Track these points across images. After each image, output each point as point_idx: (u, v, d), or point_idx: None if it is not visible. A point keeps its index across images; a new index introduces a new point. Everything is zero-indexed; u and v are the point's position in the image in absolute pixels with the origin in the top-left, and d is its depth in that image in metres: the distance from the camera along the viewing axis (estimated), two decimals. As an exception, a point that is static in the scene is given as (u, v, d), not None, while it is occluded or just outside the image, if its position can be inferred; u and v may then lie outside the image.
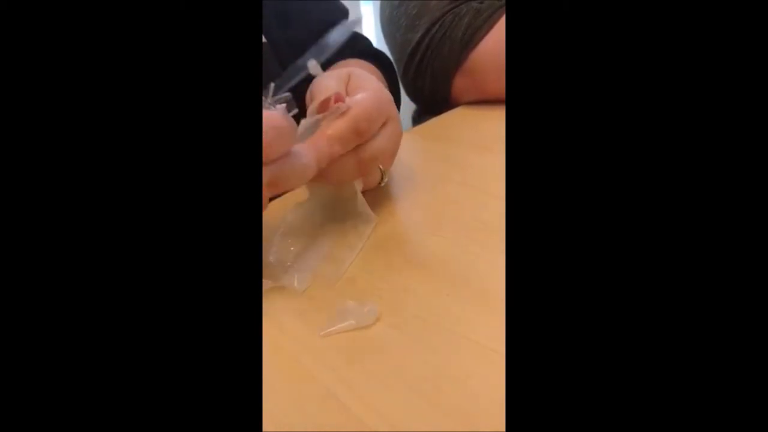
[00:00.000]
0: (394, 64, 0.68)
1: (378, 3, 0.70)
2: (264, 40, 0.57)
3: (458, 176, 0.50)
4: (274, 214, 0.43)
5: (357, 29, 0.68)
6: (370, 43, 0.68)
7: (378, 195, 0.47)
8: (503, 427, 0.21)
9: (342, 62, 0.60)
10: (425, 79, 0.64)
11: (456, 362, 0.30)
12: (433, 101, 0.66)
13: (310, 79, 0.42)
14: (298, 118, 0.41)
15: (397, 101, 0.65)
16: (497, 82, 0.60)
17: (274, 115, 0.35)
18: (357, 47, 0.63)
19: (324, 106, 0.39)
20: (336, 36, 0.57)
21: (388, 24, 0.67)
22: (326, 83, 0.41)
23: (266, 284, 0.36)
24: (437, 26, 0.60)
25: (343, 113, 0.38)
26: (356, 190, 0.42)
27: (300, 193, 0.45)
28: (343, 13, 0.67)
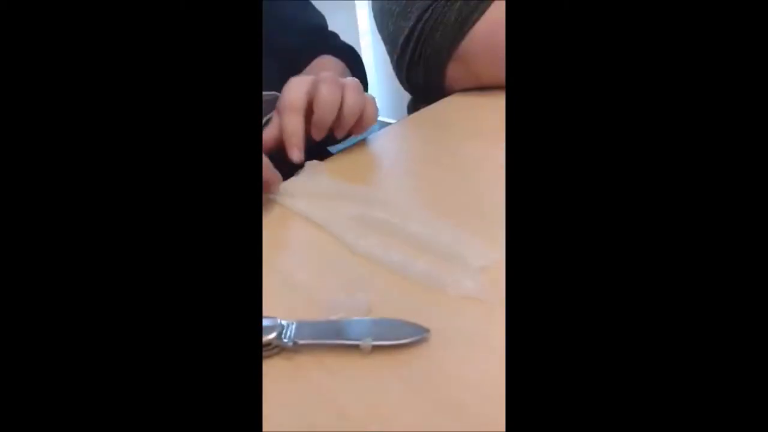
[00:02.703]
0: (387, 54, 0.67)
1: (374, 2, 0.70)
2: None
3: (453, 164, 0.49)
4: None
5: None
6: (339, 38, 0.75)
7: (373, 183, 0.45)
8: (503, 424, 0.20)
9: (315, 61, 0.67)
10: (418, 67, 0.62)
11: (451, 355, 0.28)
12: (427, 89, 0.64)
13: None
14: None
15: (365, 84, 0.72)
16: (491, 67, 0.58)
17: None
18: (327, 44, 0.71)
19: None
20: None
21: (379, 13, 0.66)
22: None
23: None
24: (429, 12, 0.59)
25: None
26: None
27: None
28: (322, 17, 0.75)
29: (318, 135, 0.49)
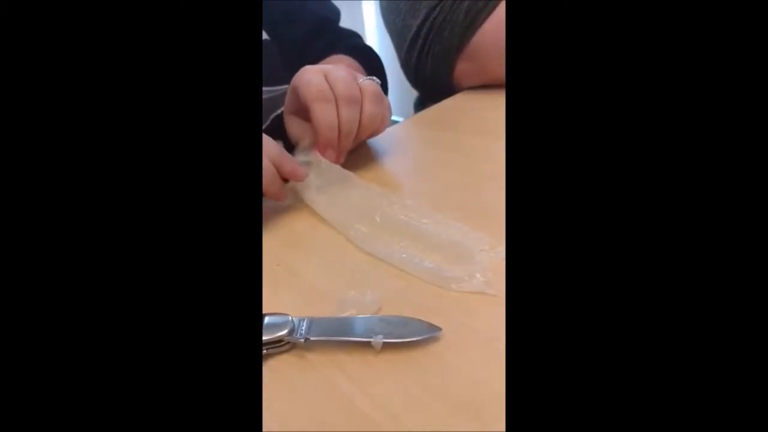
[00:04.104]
0: (395, 51, 0.67)
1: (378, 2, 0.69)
2: (268, 38, 0.58)
3: (461, 162, 0.49)
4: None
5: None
6: (359, 38, 0.70)
7: (380, 182, 0.45)
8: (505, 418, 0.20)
9: (329, 59, 0.63)
10: (427, 65, 0.62)
11: (460, 352, 0.28)
12: (435, 87, 0.65)
13: None
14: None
15: (384, 89, 0.67)
16: (500, 65, 0.58)
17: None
18: (344, 43, 0.66)
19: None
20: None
21: (387, 10, 0.66)
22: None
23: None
24: (437, 10, 0.59)
25: None
26: None
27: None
28: (337, 13, 0.71)
29: (339, 159, 0.46)
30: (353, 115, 0.44)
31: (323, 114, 0.43)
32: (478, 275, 0.33)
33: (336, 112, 0.43)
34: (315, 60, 0.63)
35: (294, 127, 0.48)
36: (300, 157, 0.46)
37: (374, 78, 0.47)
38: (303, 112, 0.46)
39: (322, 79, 0.44)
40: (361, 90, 0.45)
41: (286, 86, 0.57)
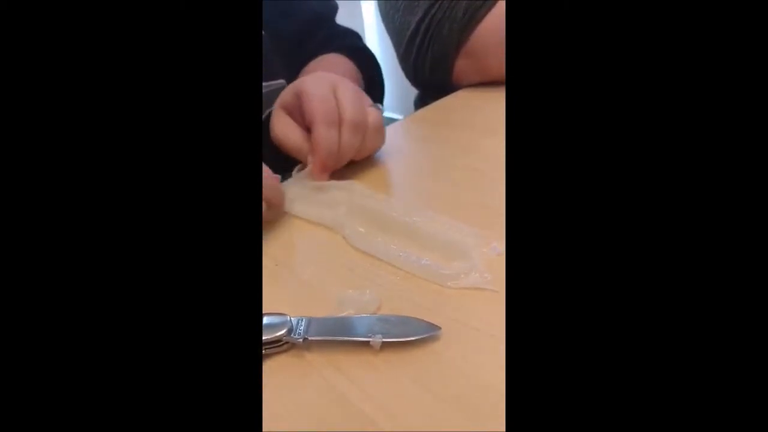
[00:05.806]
0: (394, 48, 0.66)
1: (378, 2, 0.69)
2: (264, 32, 0.58)
3: (460, 160, 0.49)
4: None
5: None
6: (358, 38, 0.70)
7: (380, 180, 0.45)
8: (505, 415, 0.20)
9: (320, 58, 0.62)
10: (425, 63, 0.62)
11: (459, 350, 0.28)
12: (434, 84, 0.64)
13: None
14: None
15: (381, 93, 0.67)
16: (499, 62, 0.58)
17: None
18: (341, 42, 0.66)
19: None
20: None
21: (385, 7, 0.65)
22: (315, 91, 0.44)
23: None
24: (436, 7, 0.59)
25: None
26: None
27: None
28: (334, 8, 0.70)
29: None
30: (354, 142, 0.44)
31: (327, 140, 0.43)
32: (475, 272, 0.33)
33: (338, 137, 0.43)
34: (311, 55, 0.62)
35: (282, 126, 0.46)
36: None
37: (379, 105, 0.47)
38: (299, 118, 0.45)
39: (331, 96, 0.43)
40: (366, 118, 0.45)
41: (281, 81, 0.57)
